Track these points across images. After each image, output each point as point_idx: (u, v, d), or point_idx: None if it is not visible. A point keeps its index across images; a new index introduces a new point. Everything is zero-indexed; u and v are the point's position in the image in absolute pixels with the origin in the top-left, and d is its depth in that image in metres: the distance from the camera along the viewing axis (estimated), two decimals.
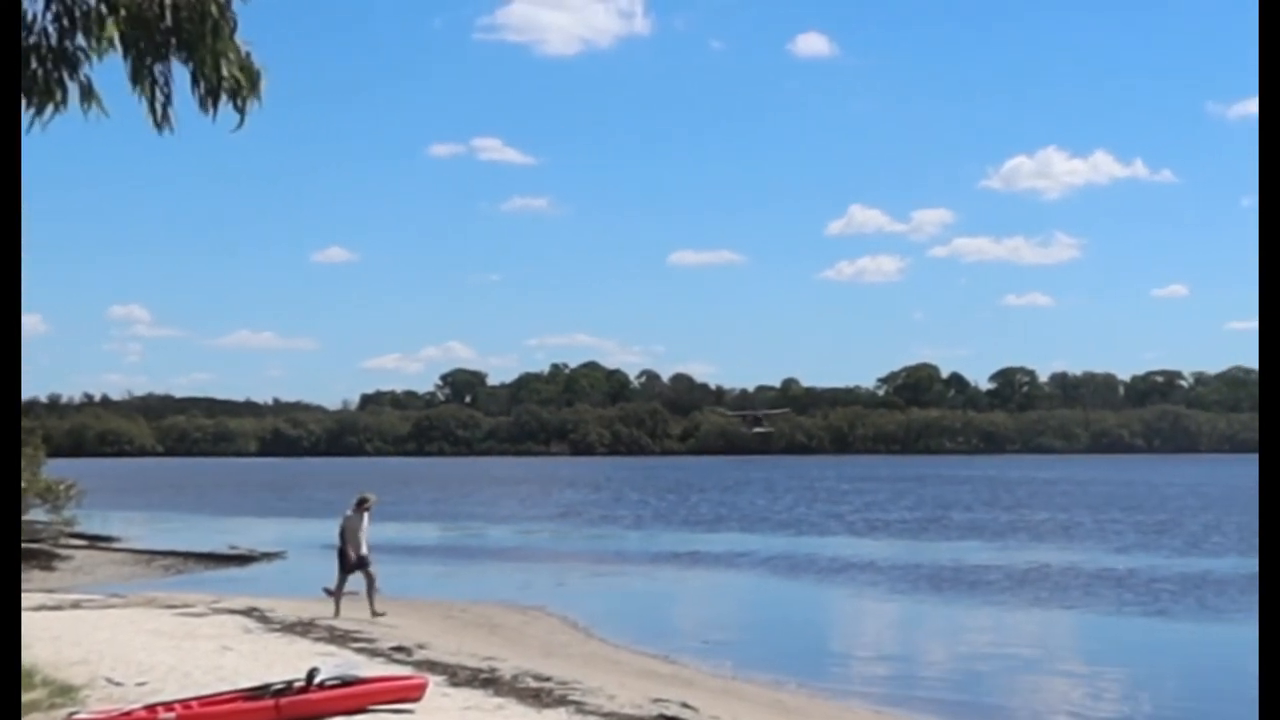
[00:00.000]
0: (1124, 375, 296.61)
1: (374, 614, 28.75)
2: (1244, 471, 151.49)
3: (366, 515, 29.19)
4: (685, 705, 19.08)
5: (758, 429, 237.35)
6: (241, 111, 8.31)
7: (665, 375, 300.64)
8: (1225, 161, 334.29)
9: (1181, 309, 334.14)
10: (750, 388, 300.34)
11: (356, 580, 29.92)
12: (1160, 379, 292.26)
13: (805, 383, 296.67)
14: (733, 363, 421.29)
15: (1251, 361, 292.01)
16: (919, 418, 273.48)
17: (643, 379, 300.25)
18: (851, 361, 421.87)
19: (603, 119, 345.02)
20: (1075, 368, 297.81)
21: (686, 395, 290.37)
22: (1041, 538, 59.65)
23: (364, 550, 29.08)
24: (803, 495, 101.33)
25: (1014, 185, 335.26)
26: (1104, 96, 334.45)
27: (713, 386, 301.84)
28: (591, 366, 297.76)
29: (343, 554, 29.16)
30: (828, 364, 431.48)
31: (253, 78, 8.26)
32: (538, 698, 18.99)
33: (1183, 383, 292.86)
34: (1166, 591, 38.65)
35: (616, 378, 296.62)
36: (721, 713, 19.01)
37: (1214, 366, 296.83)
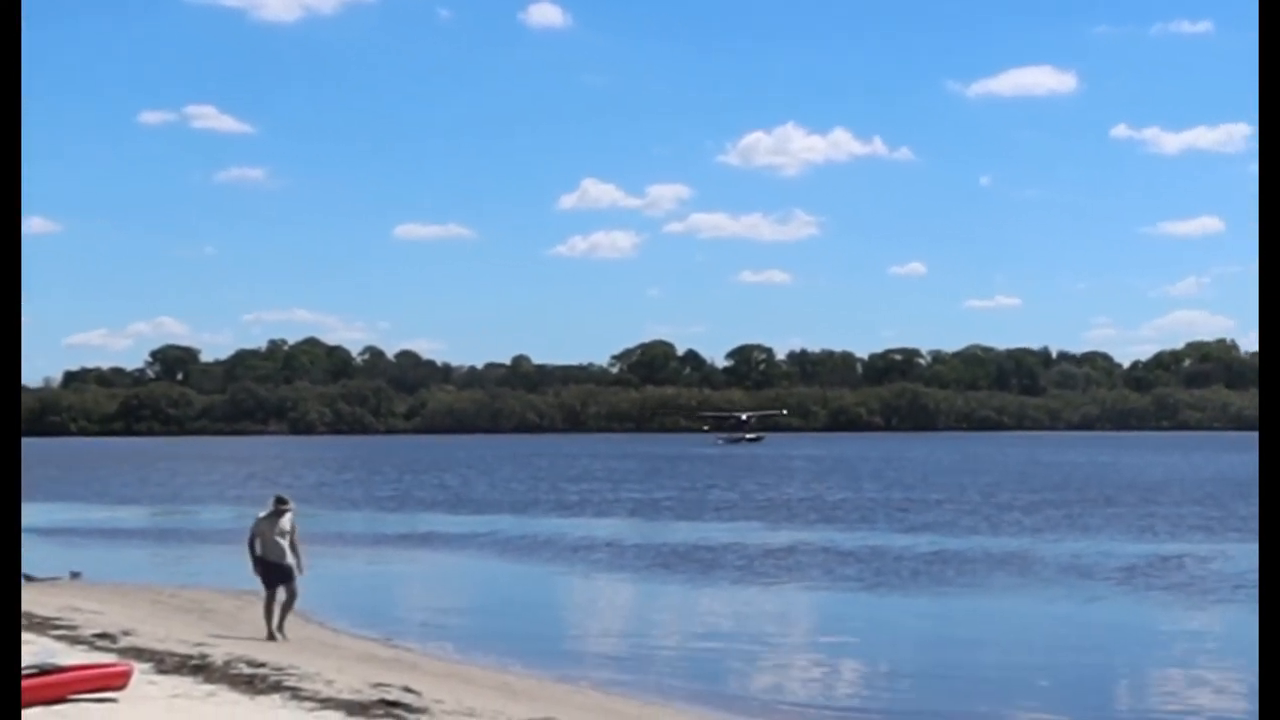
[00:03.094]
0: (862, 353, 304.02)
1: (276, 632, 25.46)
2: (986, 449, 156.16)
3: (287, 518, 25.66)
4: (407, 689, 19.05)
5: (748, 437, 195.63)
6: None
7: (390, 352, 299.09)
8: (964, 140, 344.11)
9: (920, 287, 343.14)
10: (479, 365, 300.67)
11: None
12: (898, 357, 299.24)
13: (536, 360, 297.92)
14: (461, 339, 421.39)
15: (989, 339, 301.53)
16: (654, 395, 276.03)
17: (366, 356, 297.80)
18: (584, 338, 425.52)
19: (324, 87, 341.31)
20: (813, 345, 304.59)
21: (412, 372, 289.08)
22: (791, 516, 60.94)
23: (287, 559, 25.44)
24: (540, 474, 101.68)
25: (751, 161, 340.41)
26: (843, 74, 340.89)
27: (440, 363, 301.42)
28: (311, 343, 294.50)
29: (256, 564, 25.57)
30: (560, 341, 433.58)
31: None
32: (250, 684, 18.80)
33: (921, 361, 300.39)
34: (907, 568, 39.88)
35: (338, 354, 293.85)
36: (445, 696, 19.02)
37: (952, 345, 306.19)
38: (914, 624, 31.14)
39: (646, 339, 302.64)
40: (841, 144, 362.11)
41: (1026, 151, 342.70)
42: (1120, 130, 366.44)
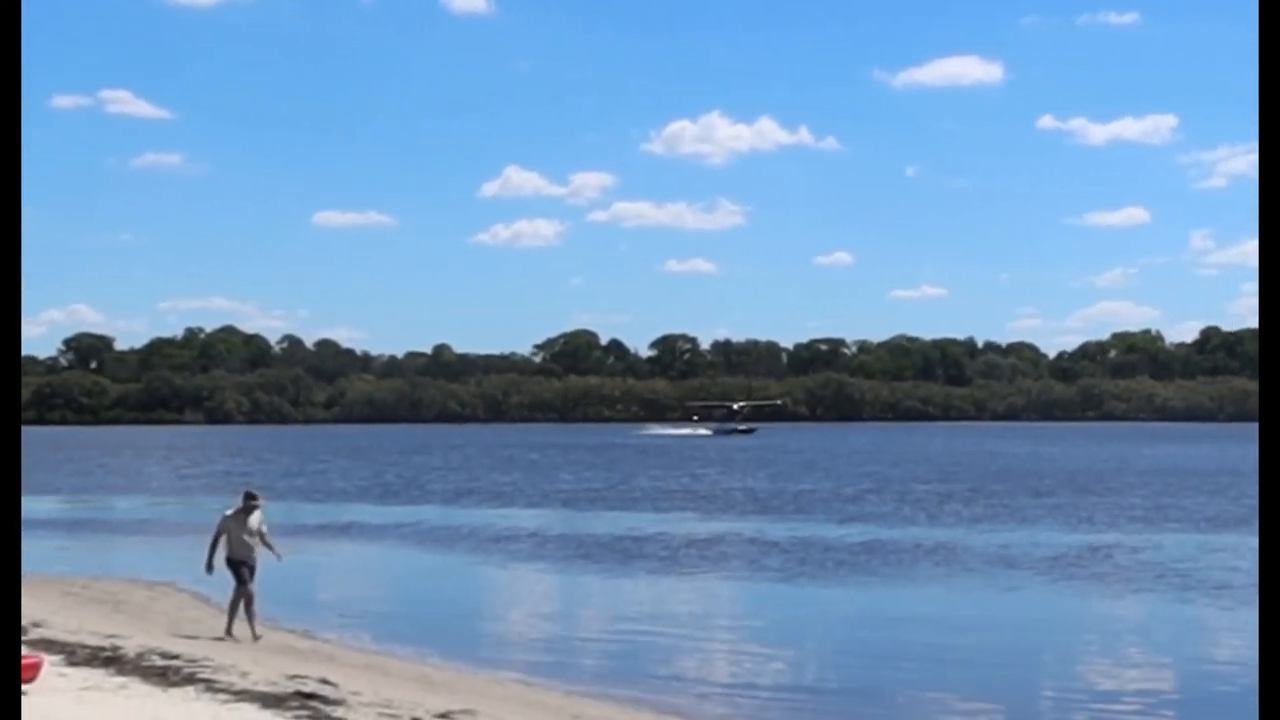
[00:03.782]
0: (787, 343, 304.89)
1: (228, 632, 24.51)
2: (914, 440, 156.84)
3: (256, 515, 24.68)
4: (325, 681, 18.96)
5: (739, 428, 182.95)
6: None
7: (309, 340, 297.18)
8: (890, 130, 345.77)
9: (845, 277, 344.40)
10: (400, 354, 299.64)
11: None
12: (824, 347, 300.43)
13: (458, 349, 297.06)
14: (381, 328, 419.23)
15: (914, 329, 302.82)
16: (577, 385, 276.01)
17: (284, 344, 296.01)
18: (507, 327, 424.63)
19: (243, 72, 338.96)
20: (738, 335, 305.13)
21: (332, 361, 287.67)
22: (717, 506, 61.18)
23: (254, 558, 24.56)
24: (462, 464, 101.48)
25: (676, 150, 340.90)
26: (769, 62, 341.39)
27: (359, 352, 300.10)
28: (229, 331, 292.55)
29: (230, 562, 24.41)
30: (482, 330, 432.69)
31: None
32: (164, 676, 18.67)
33: (846, 351, 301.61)
34: (832, 559, 40.09)
35: (256, 342, 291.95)
36: (363, 688, 18.93)
37: (878, 335, 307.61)
38: (831, 613, 31.36)
39: (569, 328, 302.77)
40: (767, 133, 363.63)
41: (953, 142, 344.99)
42: (1047, 121, 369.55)
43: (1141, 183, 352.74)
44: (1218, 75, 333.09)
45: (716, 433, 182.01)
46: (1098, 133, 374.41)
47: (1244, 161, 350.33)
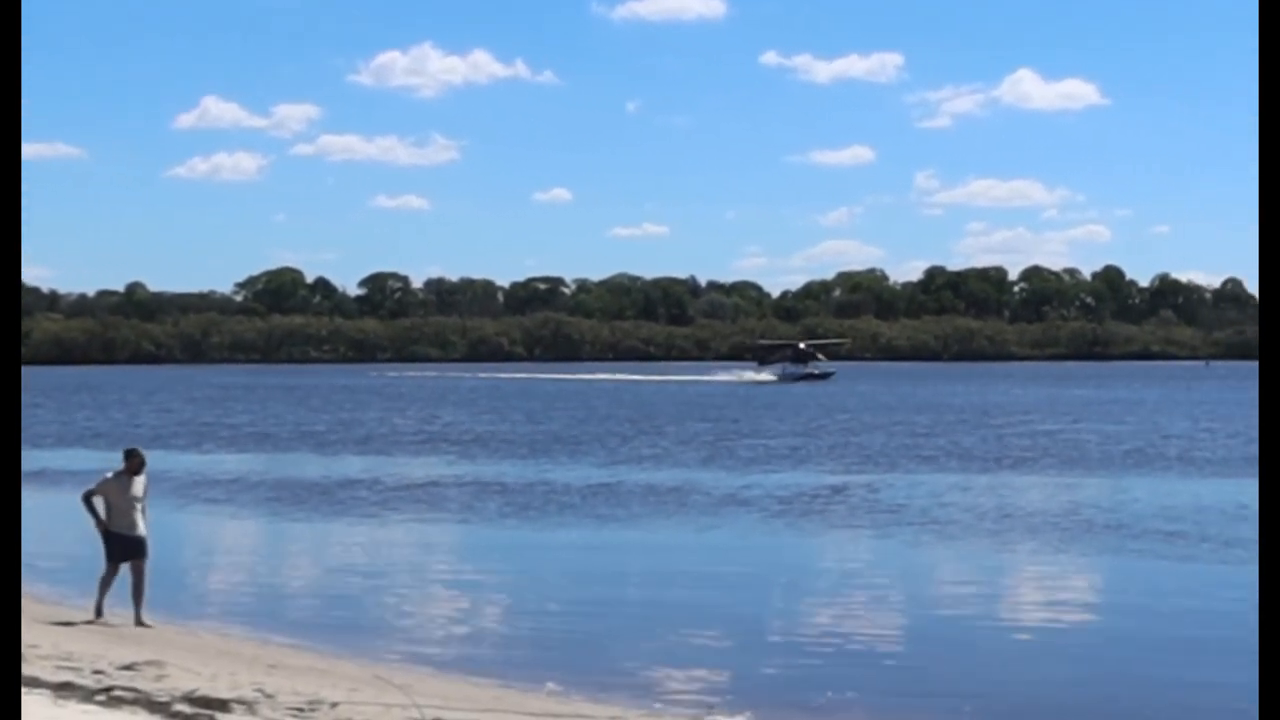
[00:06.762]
0: (504, 281, 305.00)
1: (139, 621, 21.64)
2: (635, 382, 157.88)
3: (140, 479, 22.07)
4: None
5: (814, 372, 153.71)
6: None
7: None
8: (609, 65, 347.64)
9: (564, 214, 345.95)
10: (91, 292, 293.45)
11: None
12: (542, 286, 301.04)
13: (153, 287, 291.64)
14: (70, 265, 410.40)
15: (635, 268, 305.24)
16: (281, 325, 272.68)
17: None
18: (205, 265, 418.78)
19: None
20: (452, 273, 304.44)
21: None
22: (440, 447, 61.35)
23: (140, 530, 21.88)
24: (162, 406, 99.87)
25: (386, 82, 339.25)
26: None
27: (46, 290, 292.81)
28: None
29: (107, 535, 21.74)
30: (178, 267, 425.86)
31: None
32: None
33: (565, 290, 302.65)
34: (555, 501, 40.51)
35: None
36: (41, 641, 18.56)
37: (597, 273, 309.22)
38: (526, 555, 31.66)
39: (273, 266, 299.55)
40: (482, 65, 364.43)
41: (674, 77, 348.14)
42: (770, 57, 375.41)
43: (866, 121, 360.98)
44: (945, 14, 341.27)
45: (782, 378, 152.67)
46: (822, 70, 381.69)
47: (969, 101, 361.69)
